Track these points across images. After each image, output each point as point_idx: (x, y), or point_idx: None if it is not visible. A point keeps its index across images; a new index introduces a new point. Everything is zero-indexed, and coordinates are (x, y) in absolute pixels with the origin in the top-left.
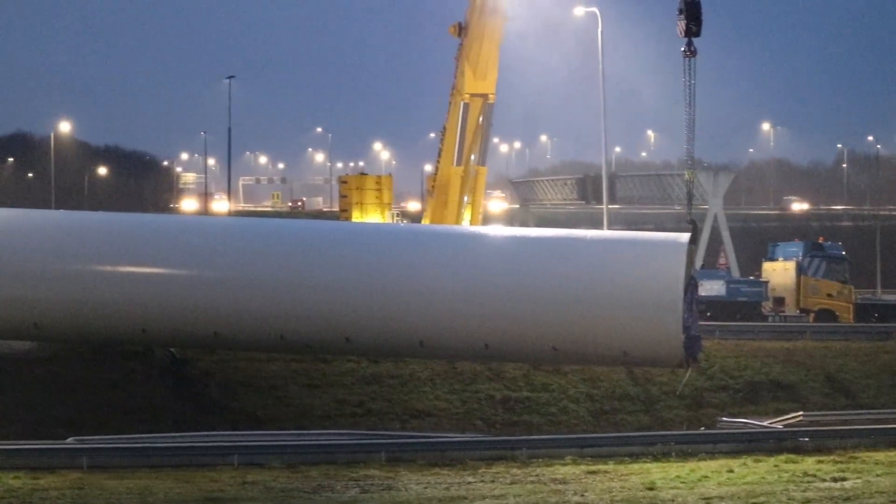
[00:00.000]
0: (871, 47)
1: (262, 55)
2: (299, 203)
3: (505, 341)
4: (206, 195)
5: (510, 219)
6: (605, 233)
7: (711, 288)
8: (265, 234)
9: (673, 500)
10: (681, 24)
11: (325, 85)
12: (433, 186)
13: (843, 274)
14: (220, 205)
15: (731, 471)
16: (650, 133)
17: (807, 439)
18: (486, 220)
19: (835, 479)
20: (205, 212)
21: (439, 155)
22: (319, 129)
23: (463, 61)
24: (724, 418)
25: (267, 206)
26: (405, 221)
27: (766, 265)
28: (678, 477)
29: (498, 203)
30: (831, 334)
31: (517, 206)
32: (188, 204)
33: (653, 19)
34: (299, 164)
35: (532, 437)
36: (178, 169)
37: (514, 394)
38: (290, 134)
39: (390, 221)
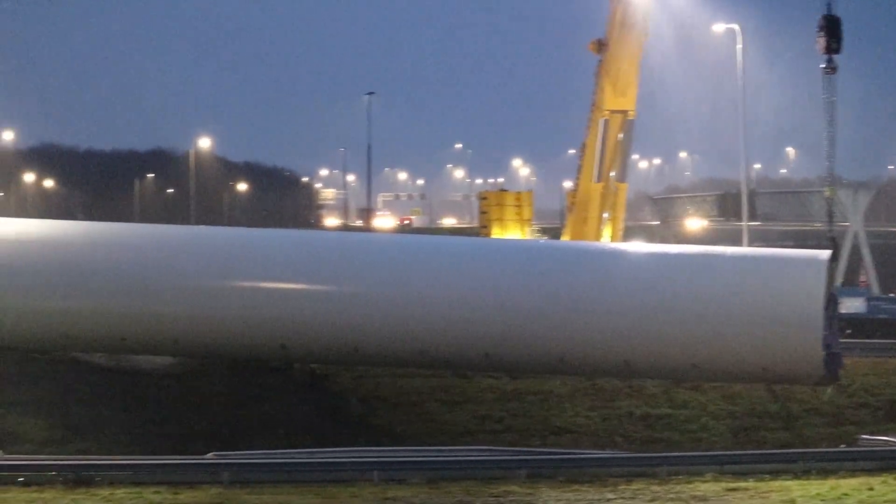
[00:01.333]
0: None
1: (403, 71)
2: (406, 221)
3: (645, 358)
4: (346, 211)
5: (650, 236)
6: (745, 250)
7: (852, 305)
8: (405, 249)
9: None
10: (821, 42)
11: (466, 101)
12: (573, 203)
13: None
14: (384, 221)
15: (871, 489)
16: (790, 149)
17: None
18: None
19: None
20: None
21: (579, 171)
22: (459, 146)
23: (603, 78)
24: (865, 436)
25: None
26: (545, 238)
27: None
28: (818, 494)
29: None
30: None
31: (657, 222)
32: (332, 221)
33: (792, 35)
34: (439, 180)
35: (672, 453)
36: (318, 185)
37: (654, 410)
38: (429, 150)
39: (530, 238)
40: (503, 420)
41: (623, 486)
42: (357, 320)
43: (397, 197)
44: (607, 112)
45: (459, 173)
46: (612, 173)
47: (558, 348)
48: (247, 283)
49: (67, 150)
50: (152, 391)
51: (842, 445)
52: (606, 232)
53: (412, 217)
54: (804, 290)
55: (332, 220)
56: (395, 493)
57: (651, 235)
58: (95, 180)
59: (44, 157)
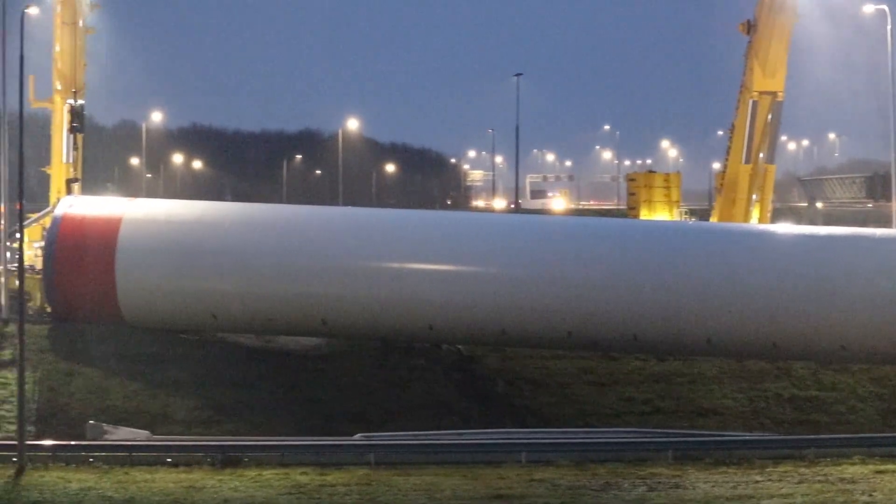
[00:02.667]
0: None
1: (552, 52)
2: (512, 205)
3: (793, 339)
4: (492, 192)
5: (798, 217)
6: (894, 231)
7: None
8: (552, 231)
9: None
10: None
11: (614, 82)
12: (721, 184)
13: None
14: (556, 202)
15: None
16: None
17: None
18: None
19: None
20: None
21: (728, 153)
22: (607, 127)
23: (752, 59)
24: None
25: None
26: (693, 219)
27: None
28: None
29: None
30: None
31: (804, 203)
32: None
33: None
34: (587, 161)
35: (820, 436)
36: (466, 166)
37: (802, 392)
38: (577, 131)
39: (678, 219)
40: (650, 402)
41: (770, 469)
42: (504, 302)
43: (545, 178)
44: (756, 93)
45: (607, 155)
46: (761, 155)
47: (706, 330)
48: (395, 264)
49: (216, 131)
50: (300, 372)
51: None
52: (755, 214)
53: (520, 201)
54: None
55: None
56: (541, 474)
57: (799, 217)
58: (244, 161)
59: (193, 138)
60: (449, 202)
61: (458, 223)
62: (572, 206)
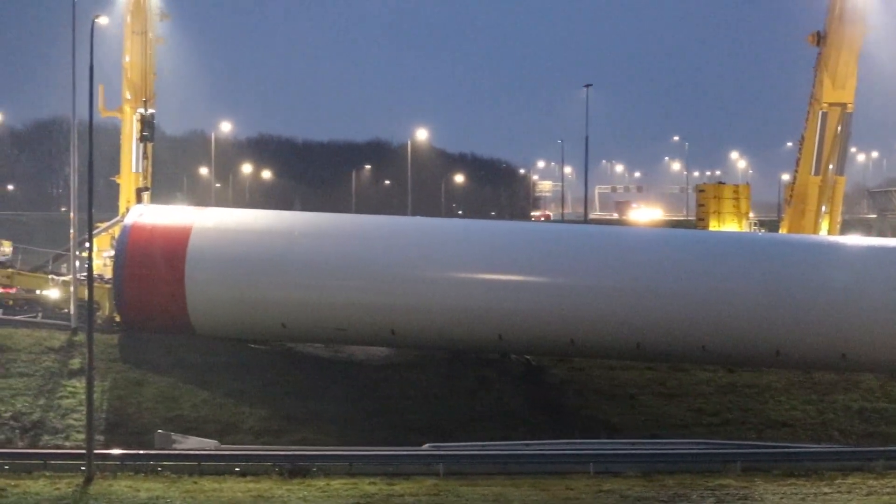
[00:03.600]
0: None
1: (621, 63)
2: (542, 218)
3: (863, 351)
4: (561, 203)
5: (867, 229)
6: None
7: None
8: (620, 242)
9: None
10: None
11: (683, 93)
12: (791, 196)
13: None
14: (639, 213)
15: None
16: None
17: None
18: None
19: None
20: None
21: (797, 164)
22: (676, 138)
23: (822, 70)
24: None
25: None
26: (762, 231)
27: None
28: None
29: None
30: None
31: (874, 215)
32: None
33: None
34: (656, 172)
35: (889, 447)
36: (535, 177)
37: (871, 404)
38: (646, 142)
39: (748, 230)
40: (719, 413)
41: (839, 480)
42: (573, 312)
43: (614, 189)
44: (826, 105)
45: (676, 166)
46: (831, 166)
47: (775, 341)
48: (464, 274)
49: (285, 140)
50: (368, 382)
51: None
52: (824, 225)
53: (549, 213)
54: None
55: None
56: (610, 485)
57: (868, 229)
58: (313, 171)
59: (261, 148)
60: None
61: (527, 233)
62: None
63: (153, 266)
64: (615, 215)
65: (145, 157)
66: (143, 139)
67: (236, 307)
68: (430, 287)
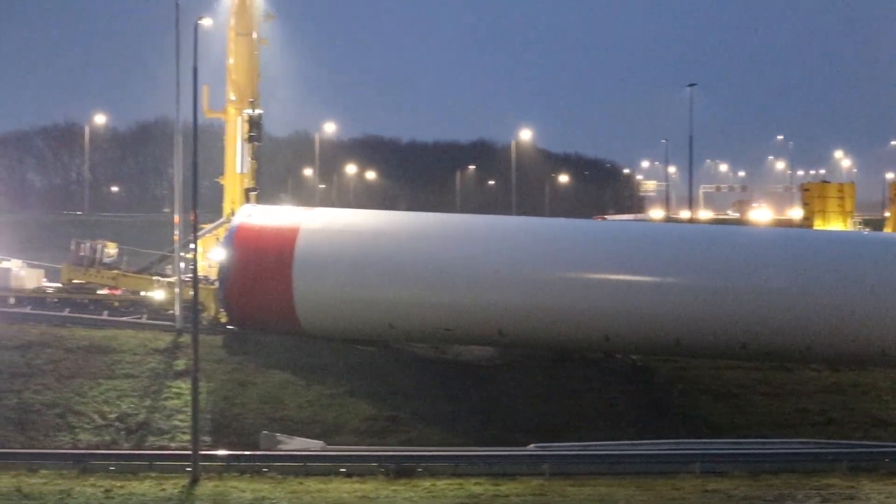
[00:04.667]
0: None
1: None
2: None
3: None
4: (667, 203)
5: None
6: None
7: None
8: (728, 241)
9: None
10: None
11: (787, 92)
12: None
13: None
14: (760, 213)
15: None
16: None
17: None
18: None
19: None
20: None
21: None
22: (780, 137)
23: None
24: None
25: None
26: (867, 229)
27: None
28: None
29: None
30: None
31: None
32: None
33: None
34: (760, 171)
35: None
36: (639, 177)
37: None
38: (751, 142)
39: (853, 230)
40: (825, 412)
41: None
42: (680, 311)
43: (718, 189)
44: None
45: (780, 165)
46: None
47: (881, 339)
48: (572, 274)
49: (389, 141)
50: (474, 382)
51: None
52: None
53: (605, 216)
54: None
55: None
56: (716, 485)
57: None
58: (417, 171)
59: (366, 148)
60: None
61: (633, 233)
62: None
63: (261, 266)
64: (734, 214)
65: (252, 157)
66: (250, 140)
67: (344, 307)
68: (538, 287)
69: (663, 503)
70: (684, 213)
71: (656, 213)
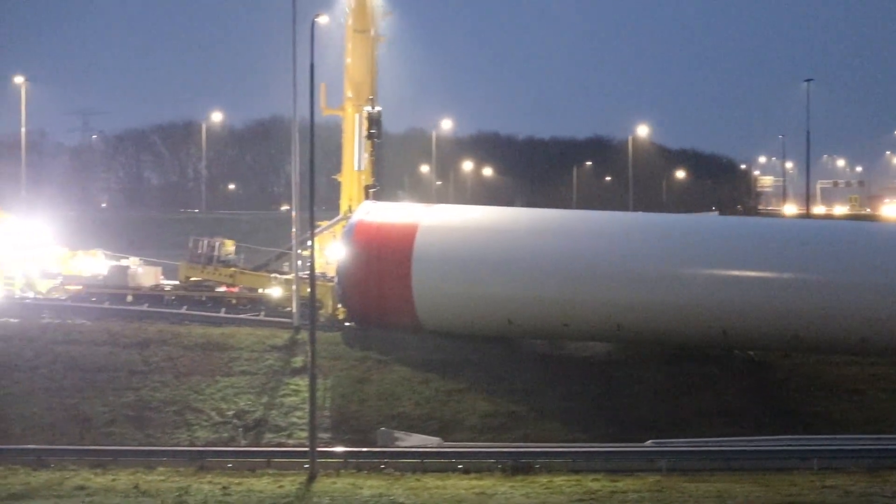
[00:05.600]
0: None
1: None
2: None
3: None
4: (783, 199)
5: None
6: None
7: None
8: (845, 235)
9: None
10: None
11: None
12: None
13: None
14: (893, 208)
15: None
16: None
17: None
18: None
19: None
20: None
21: None
22: None
23: None
24: None
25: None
26: None
27: None
28: None
29: None
30: None
31: None
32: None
33: None
34: (878, 166)
35: None
36: (756, 172)
37: None
38: (868, 136)
39: None
40: None
41: None
42: (798, 307)
43: (835, 184)
44: None
45: None
46: None
47: None
48: (689, 270)
49: (506, 137)
50: (591, 378)
51: None
52: None
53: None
54: None
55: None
56: (833, 480)
57: None
58: (534, 168)
59: (482, 145)
60: (739, 207)
61: (751, 228)
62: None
63: (380, 263)
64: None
65: (371, 155)
66: (369, 137)
67: (462, 303)
68: (656, 283)
69: (780, 499)
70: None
71: (789, 208)
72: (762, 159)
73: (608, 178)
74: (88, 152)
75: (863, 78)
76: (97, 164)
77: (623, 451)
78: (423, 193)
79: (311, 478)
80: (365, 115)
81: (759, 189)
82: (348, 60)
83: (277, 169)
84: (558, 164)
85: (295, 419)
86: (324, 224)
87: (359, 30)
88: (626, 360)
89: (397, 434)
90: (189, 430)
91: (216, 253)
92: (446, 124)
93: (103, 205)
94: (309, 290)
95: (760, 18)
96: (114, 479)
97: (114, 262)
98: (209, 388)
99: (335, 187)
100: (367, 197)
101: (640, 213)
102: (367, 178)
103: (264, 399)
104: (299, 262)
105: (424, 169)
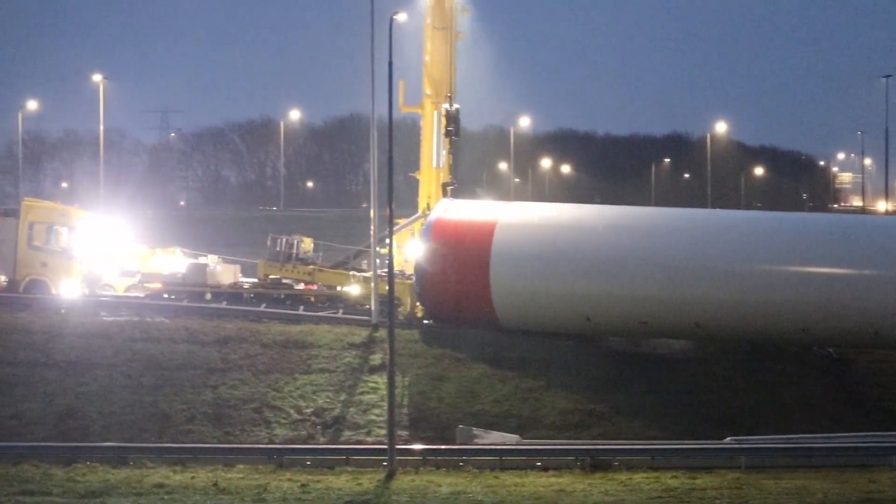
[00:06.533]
0: None
1: None
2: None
3: None
4: (863, 195)
5: None
6: None
7: None
8: None
9: None
10: None
11: None
12: None
13: None
14: None
15: None
16: None
17: None
18: None
19: None
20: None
21: None
22: None
23: None
24: None
25: None
26: None
27: None
28: None
29: None
30: None
31: None
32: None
33: None
34: None
35: None
36: (835, 169)
37: None
38: None
39: None
40: None
41: None
42: (879, 304)
43: None
44: None
45: None
46: None
47: None
48: (769, 267)
49: (584, 134)
50: (669, 375)
51: None
52: None
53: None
54: None
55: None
56: None
57: None
58: (612, 165)
59: (560, 142)
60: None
61: (831, 224)
62: None
63: (458, 260)
64: None
65: (449, 152)
66: (447, 134)
67: (541, 300)
68: (736, 279)
69: (859, 496)
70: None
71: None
72: (840, 155)
73: (686, 175)
74: (167, 150)
75: None
76: (175, 163)
77: (702, 448)
78: (501, 191)
79: (390, 475)
80: (443, 112)
81: (837, 185)
82: (427, 58)
83: (356, 166)
84: (636, 161)
85: (373, 417)
86: (402, 222)
87: (437, 27)
88: (705, 357)
89: (476, 431)
90: (268, 427)
91: (295, 251)
92: (524, 121)
93: (181, 203)
94: (387, 287)
95: (839, 14)
96: (192, 477)
97: (192, 260)
98: (288, 386)
99: (413, 185)
100: (445, 195)
101: (718, 210)
102: (445, 176)
103: (342, 397)
104: (378, 260)
105: (502, 166)
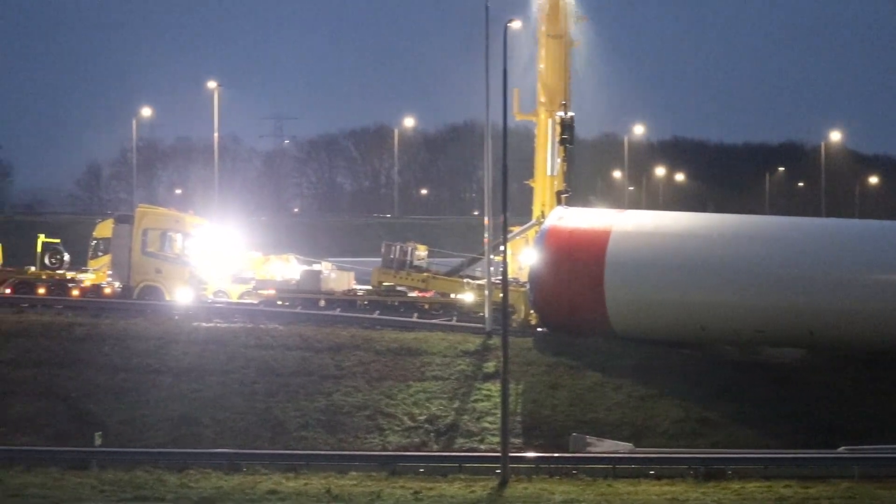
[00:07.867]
0: None
1: None
2: None
3: None
4: None
5: None
6: None
7: None
8: None
9: None
10: None
11: None
12: None
13: None
14: None
15: None
16: None
17: None
18: None
19: None
20: None
21: None
22: None
23: None
24: None
25: None
26: None
27: None
28: None
29: None
30: None
31: None
32: None
33: None
34: None
35: None
36: None
37: None
38: None
39: None
40: None
41: None
42: None
43: None
44: None
45: None
46: None
47: None
48: (883, 276)
49: (697, 143)
50: (783, 384)
51: None
52: None
53: None
54: None
55: None
56: None
57: None
58: (726, 173)
59: (675, 150)
60: None
61: None
62: None
63: (573, 268)
64: None
65: (563, 160)
66: (562, 142)
67: (656, 309)
68: (849, 289)
69: None
70: None
71: None
72: None
73: (801, 184)
74: (281, 157)
75: None
76: (289, 170)
77: (815, 457)
78: (616, 199)
79: (503, 483)
80: (558, 120)
81: None
82: (541, 66)
83: (470, 174)
84: (750, 170)
85: (486, 424)
86: (516, 229)
87: (552, 35)
88: (819, 366)
89: (589, 439)
90: (381, 434)
91: (409, 258)
92: (638, 129)
93: (295, 210)
94: (501, 295)
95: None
96: (306, 484)
97: (306, 267)
98: (401, 393)
99: (527, 193)
100: (559, 202)
101: (833, 219)
102: (559, 184)
103: (456, 404)
104: (492, 268)
105: (616, 174)
